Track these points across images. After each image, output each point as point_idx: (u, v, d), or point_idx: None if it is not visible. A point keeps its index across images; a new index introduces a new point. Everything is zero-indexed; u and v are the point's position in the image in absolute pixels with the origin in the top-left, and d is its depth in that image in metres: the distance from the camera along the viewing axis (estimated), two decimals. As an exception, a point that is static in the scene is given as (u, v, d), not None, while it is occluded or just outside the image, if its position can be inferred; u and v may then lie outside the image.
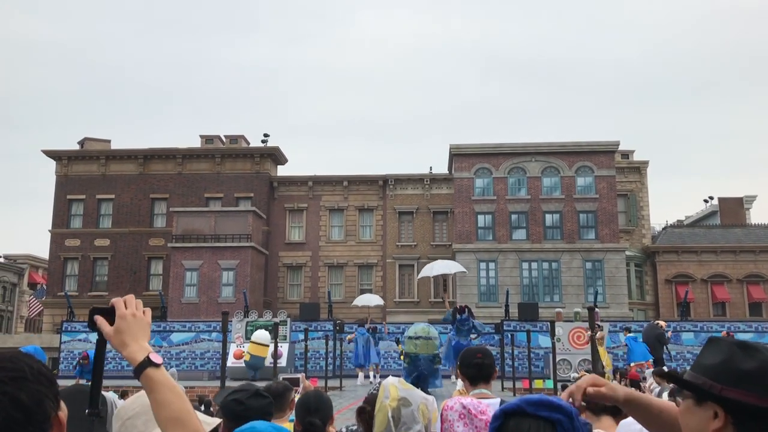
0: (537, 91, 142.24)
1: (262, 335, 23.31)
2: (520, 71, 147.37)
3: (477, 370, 4.02)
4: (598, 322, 16.68)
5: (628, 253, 40.38)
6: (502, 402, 3.44)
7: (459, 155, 40.85)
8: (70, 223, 43.91)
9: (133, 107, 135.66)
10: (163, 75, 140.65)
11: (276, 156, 45.16)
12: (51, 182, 45.10)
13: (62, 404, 1.36)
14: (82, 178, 44.21)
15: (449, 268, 32.55)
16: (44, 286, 48.31)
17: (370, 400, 3.07)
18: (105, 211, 44.07)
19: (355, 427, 3.61)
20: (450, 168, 42.92)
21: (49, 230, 43.87)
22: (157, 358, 1.67)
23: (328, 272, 42.97)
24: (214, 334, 26.86)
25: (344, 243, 43.28)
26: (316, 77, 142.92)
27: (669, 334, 22.55)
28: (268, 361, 21.43)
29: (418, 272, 38.01)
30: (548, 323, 22.39)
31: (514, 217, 40.14)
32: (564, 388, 14.44)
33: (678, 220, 50.75)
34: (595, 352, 13.39)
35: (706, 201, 53.67)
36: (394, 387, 2.94)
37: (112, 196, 43.92)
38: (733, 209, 47.96)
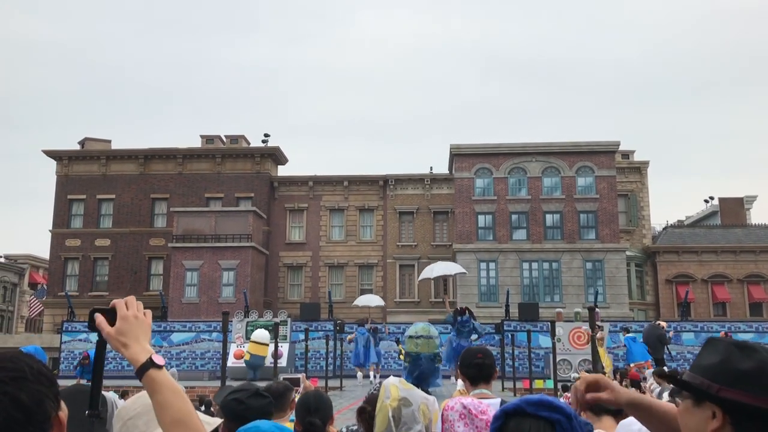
0: (537, 91, 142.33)
1: (261, 334, 23.32)
2: (520, 71, 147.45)
3: (477, 371, 4.02)
4: (599, 323, 16.66)
5: (628, 253, 40.37)
6: (502, 402, 3.44)
7: (459, 155, 40.85)
8: (70, 223, 43.93)
9: (133, 107, 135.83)
10: (163, 75, 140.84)
11: (276, 156, 45.17)
12: (51, 182, 45.20)
13: (62, 404, 1.36)
14: (82, 178, 44.23)
15: (449, 270, 32.47)
16: (45, 286, 48.33)
17: (371, 400, 3.07)
18: (105, 211, 44.08)
19: (355, 427, 3.62)
20: (450, 168, 42.90)
21: (50, 230, 43.89)
22: (159, 360, 1.67)
23: (329, 272, 42.96)
24: (214, 334, 26.83)
25: (345, 243, 43.27)
26: (316, 77, 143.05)
27: (671, 334, 22.52)
28: (269, 361, 21.43)
29: (419, 272, 37.98)
30: (548, 323, 22.35)
31: (514, 217, 40.14)
32: (564, 388, 14.43)
33: (678, 221, 50.70)
34: (595, 353, 13.39)
35: (706, 201, 53.73)
36: (395, 387, 2.94)
37: (113, 196, 43.93)
38: (733, 209, 47.97)
